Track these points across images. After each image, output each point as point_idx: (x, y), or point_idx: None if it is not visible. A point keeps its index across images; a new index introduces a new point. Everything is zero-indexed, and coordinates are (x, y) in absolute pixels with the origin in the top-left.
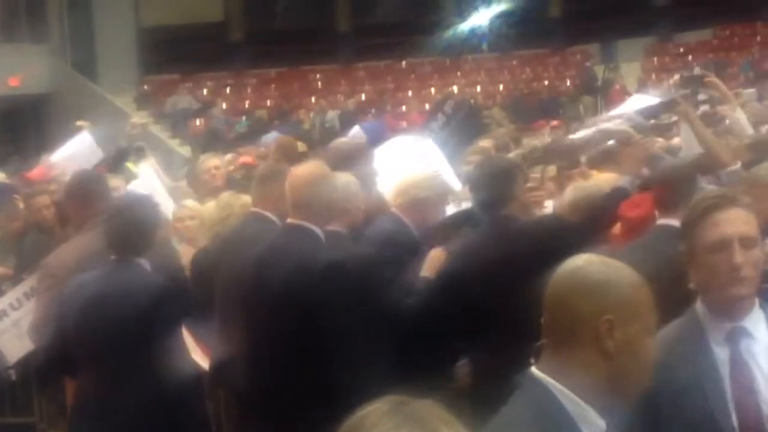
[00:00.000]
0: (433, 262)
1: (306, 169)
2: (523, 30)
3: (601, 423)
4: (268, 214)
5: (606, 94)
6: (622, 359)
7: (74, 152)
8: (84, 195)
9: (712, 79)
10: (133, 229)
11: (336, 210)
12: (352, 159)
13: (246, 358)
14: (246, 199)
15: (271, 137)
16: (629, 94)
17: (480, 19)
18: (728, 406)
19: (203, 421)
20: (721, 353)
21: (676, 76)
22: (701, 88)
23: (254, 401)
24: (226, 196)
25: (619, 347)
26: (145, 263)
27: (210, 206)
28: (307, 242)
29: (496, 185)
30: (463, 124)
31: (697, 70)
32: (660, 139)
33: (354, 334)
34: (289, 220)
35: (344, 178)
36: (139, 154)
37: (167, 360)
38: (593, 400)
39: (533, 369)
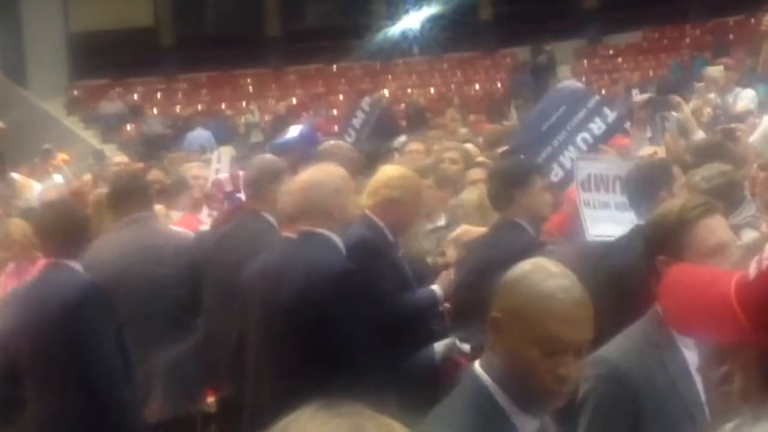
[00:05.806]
0: (443, 280)
1: (323, 173)
2: (454, 33)
3: (534, 420)
4: (264, 214)
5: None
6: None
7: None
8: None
9: (681, 102)
10: (60, 229)
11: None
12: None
13: (258, 364)
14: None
15: (196, 136)
16: None
17: (411, 22)
18: (703, 406)
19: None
20: (691, 357)
21: (645, 96)
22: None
23: (258, 410)
24: None
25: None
26: (76, 266)
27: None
28: (322, 249)
29: (496, 186)
30: (382, 122)
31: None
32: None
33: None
34: (301, 228)
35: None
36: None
37: (97, 370)
38: None
39: (475, 365)
